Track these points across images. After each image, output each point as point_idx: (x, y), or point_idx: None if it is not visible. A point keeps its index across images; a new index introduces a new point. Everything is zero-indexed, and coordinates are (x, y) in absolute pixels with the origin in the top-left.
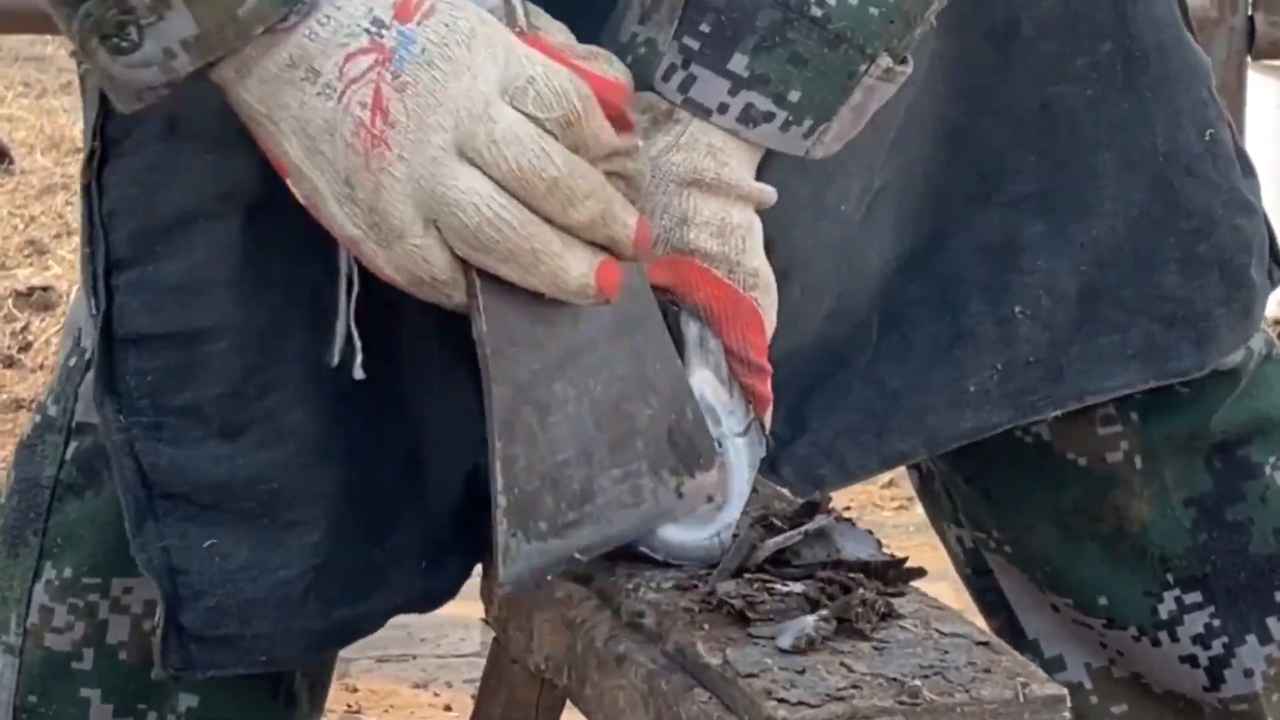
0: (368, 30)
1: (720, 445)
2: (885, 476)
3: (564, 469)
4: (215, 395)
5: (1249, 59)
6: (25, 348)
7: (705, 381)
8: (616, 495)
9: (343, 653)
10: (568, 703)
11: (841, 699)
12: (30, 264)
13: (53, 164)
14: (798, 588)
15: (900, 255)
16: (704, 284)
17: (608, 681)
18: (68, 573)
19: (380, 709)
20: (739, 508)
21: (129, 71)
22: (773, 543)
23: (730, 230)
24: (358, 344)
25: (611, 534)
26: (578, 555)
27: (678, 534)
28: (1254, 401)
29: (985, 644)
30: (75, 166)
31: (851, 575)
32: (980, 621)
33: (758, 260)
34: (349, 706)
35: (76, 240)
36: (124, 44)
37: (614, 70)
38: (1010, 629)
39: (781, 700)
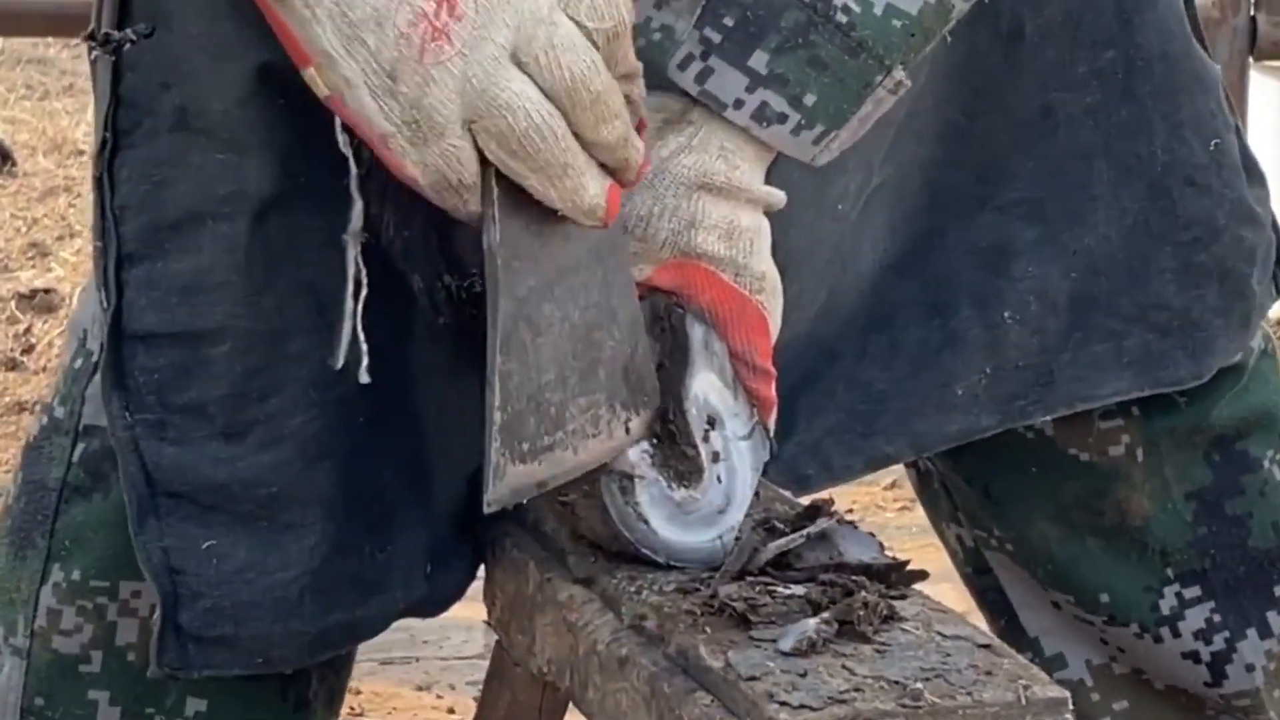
0: None
1: (724, 448)
2: (888, 478)
3: (545, 391)
4: (218, 396)
5: (1251, 59)
6: (28, 350)
7: (710, 384)
8: (581, 424)
9: None
10: (570, 705)
11: (843, 701)
12: (33, 266)
13: (55, 166)
14: (800, 590)
15: (893, 255)
16: (710, 286)
17: (610, 684)
18: (76, 575)
19: (383, 711)
20: (742, 511)
21: None
22: (775, 545)
23: (739, 233)
24: (364, 348)
25: (576, 462)
26: (545, 480)
27: (680, 536)
28: (1252, 396)
29: (987, 647)
30: (77, 169)
31: (853, 578)
32: (983, 624)
33: (765, 264)
34: (352, 709)
35: (79, 242)
36: None
37: None
38: (1011, 627)
39: (783, 703)
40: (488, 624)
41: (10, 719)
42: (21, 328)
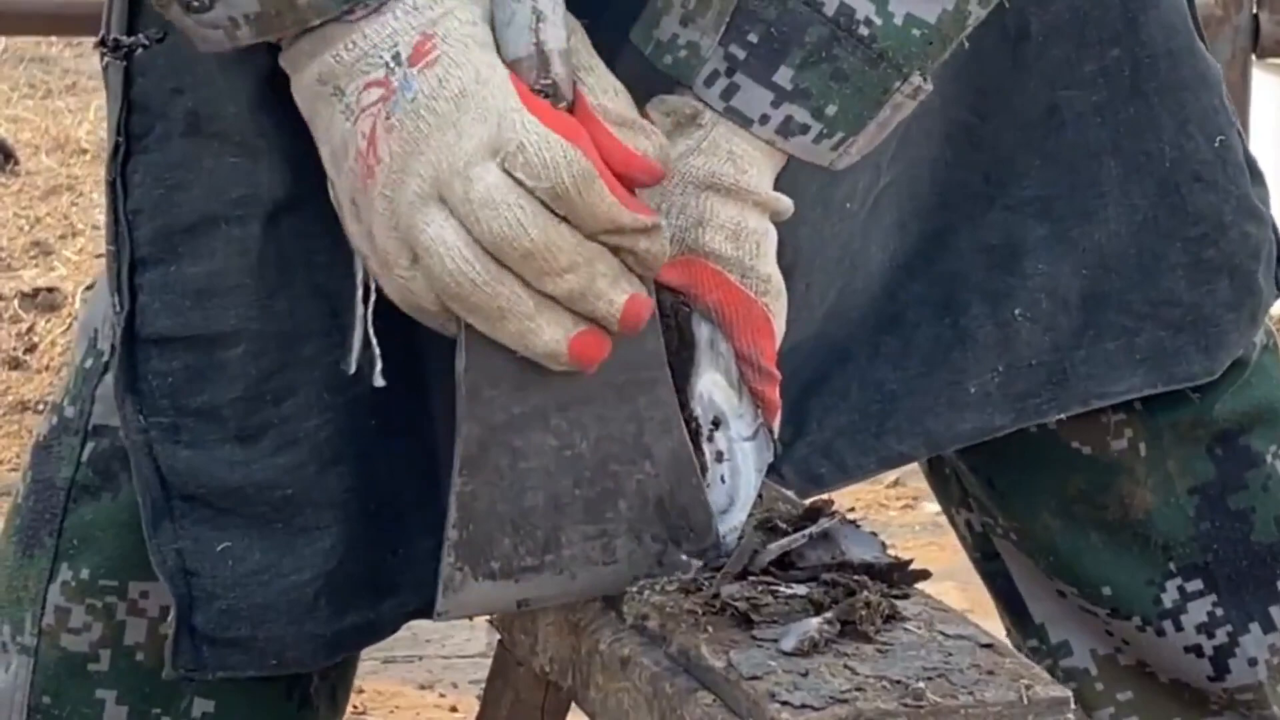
0: (386, 64)
1: (728, 448)
2: (890, 476)
3: (529, 515)
4: (232, 399)
5: (1254, 57)
6: (31, 349)
7: (715, 384)
8: (585, 550)
9: None
10: (573, 705)
11: (845, 701)
12: (36, 265)
13: (58, 165)
14: (802, 590)
15: (903, 254)
16: (716, 286)
17: (612, 684)
18: (85, 574)
19: (386, 709)
20: (745, 511)
21: (199, 29)
22: (777, 545)
23: (745, 235)
24: (376, 351)
25: (573, 587)
26: (529, 599)
27: None
28: (1254, 390)
29: (989, 646)
30: (80, 168)
31: (855, 578)
32: (985, 623)
33: (770, 267)
34: (355, 707)
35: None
36: (195, 4)
37: (650, 145)
38: (1017, 613)
39: (785, 703)
40: (490, 623)
41: (17, 717)
42: (24, 326)
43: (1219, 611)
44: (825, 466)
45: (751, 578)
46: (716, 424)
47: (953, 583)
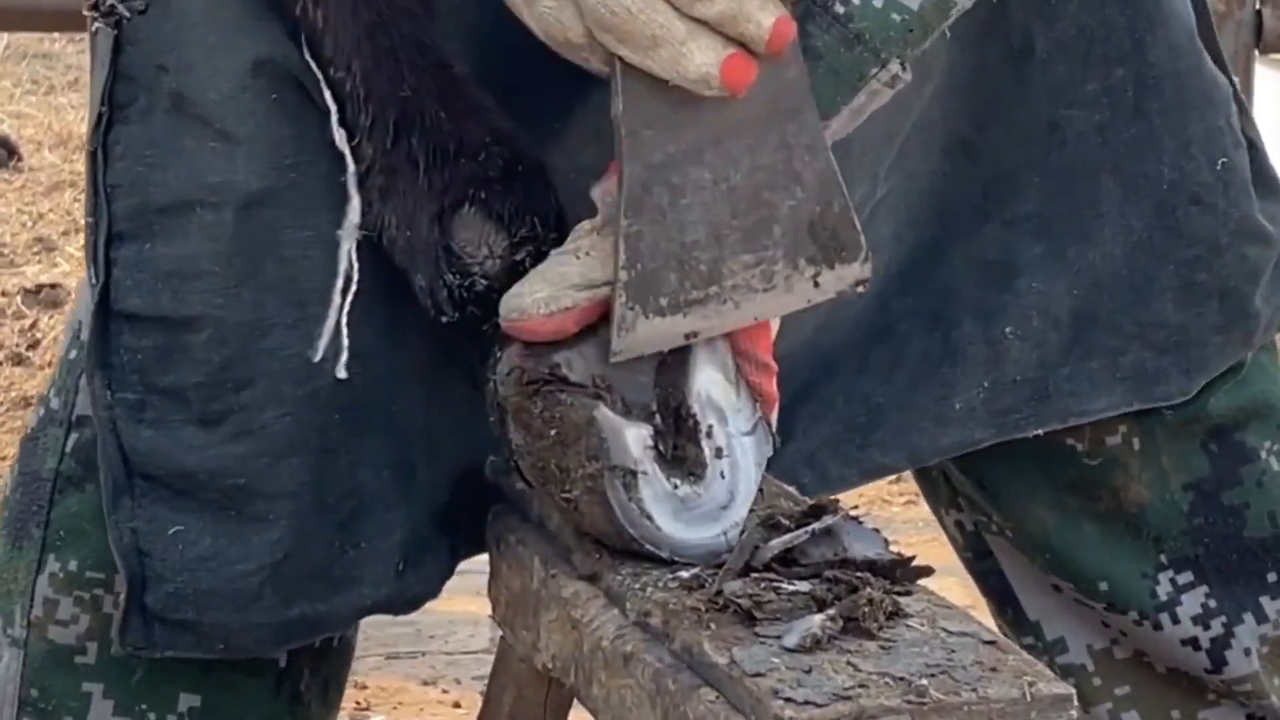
0: None
1: (727, 444)
2: None
3: (692, 250)
4: (195, 383)
5: (1257, 53)
6: (33, 345)
7: (712, 380)
8: (746, 279)
9: None
10: (575, 701)
11: (848, 698)
12: (38, 261)
13: (60, 161)
14: (804, 587)
15: (897, 266)
16: None
17: (614, 680)
18: (72, 566)
19: (389, 706)
20: (746, 506)
21: None
22: (779, 542)
23: None
24: (344, 343)
25: (736, 315)
26: (697, 331)
27: (683, 532)
28: (1250, 387)
29: (992, 643)
30: (83, 164)
31: (858, 574)
32: (988, 620)
33: None
34: (358, 704)
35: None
36: None
37: None
38: (1012, 611)
39: (788, 699)
40: (493, 619)
41: (8, 710)
42: (27, 323)
43: (1212, 603)
44: (808, 476)
45: (754, 574)
46: (715, 420)
47: (955, 579)
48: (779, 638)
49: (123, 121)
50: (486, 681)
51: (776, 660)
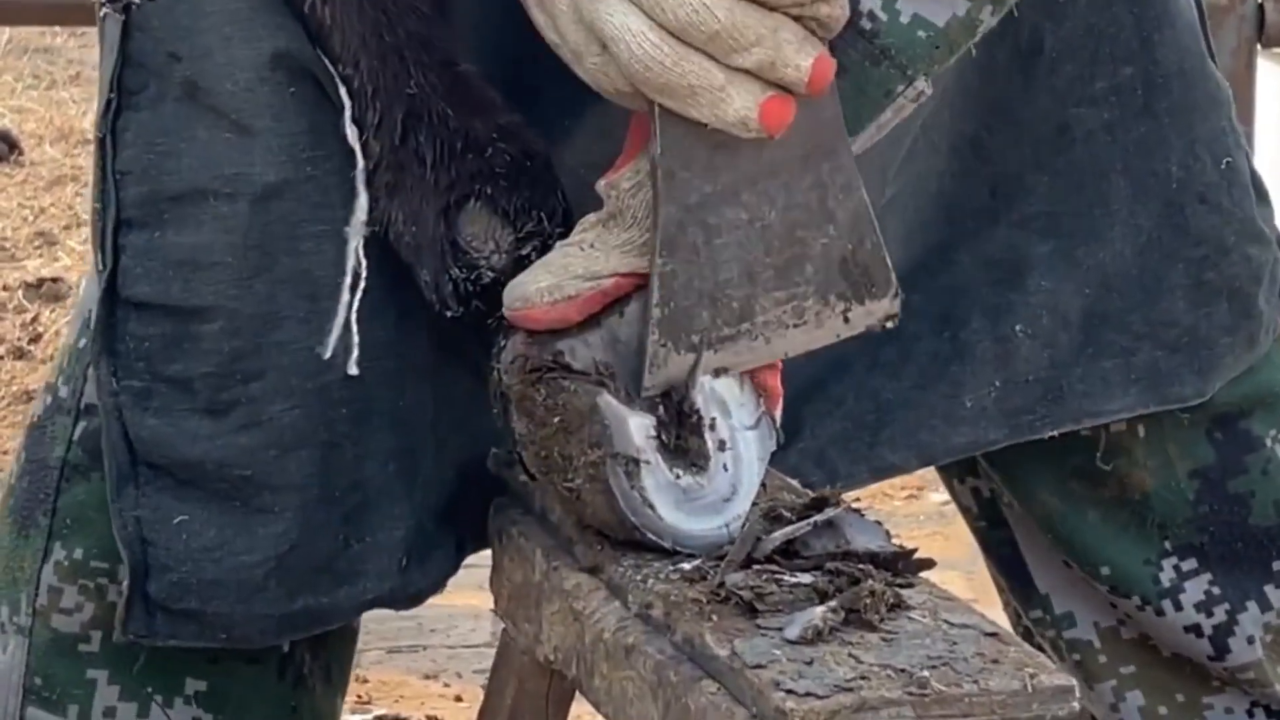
0: None
1: (730, 437)
2: None
3: (725, 287)
4: (204, 373)
5: (1259, 47)
6: (35, 339)
7: None
8: (777, 316)
9: None
10: (577, 693)
11: (850, 690)
12: (40, 255)
13: (62, 155)
14: (806, 579)
15: (905, 266)
16: None
17: (616, 672)
18: (78, 554)
19: (391, 699)
20: (749, 499)
21: None
22: (781, 534)
23: None
24: (355, 339)
25: (767, 351)
26: (728, 366)
27: (685, 523)
28: (1256, 375)
29: (994, 635)
30: (85, 158)
31: (860, 566)
32: (990, 612)
33: None
34: (359, 697)
35: (86, 232)
36: None
37: None
38: (1022, 582)
39: (789, 691)
40: (495, 612)
41: (13, 698)
42: (29, 316)
43: (1215, 590)
44: (816, 474)
45: (756, 566)
46: (718, 413)
47: (957, 572)
48: (780, 629)
49: (132, 108)
50: (488, 675)
51: (778, 652)
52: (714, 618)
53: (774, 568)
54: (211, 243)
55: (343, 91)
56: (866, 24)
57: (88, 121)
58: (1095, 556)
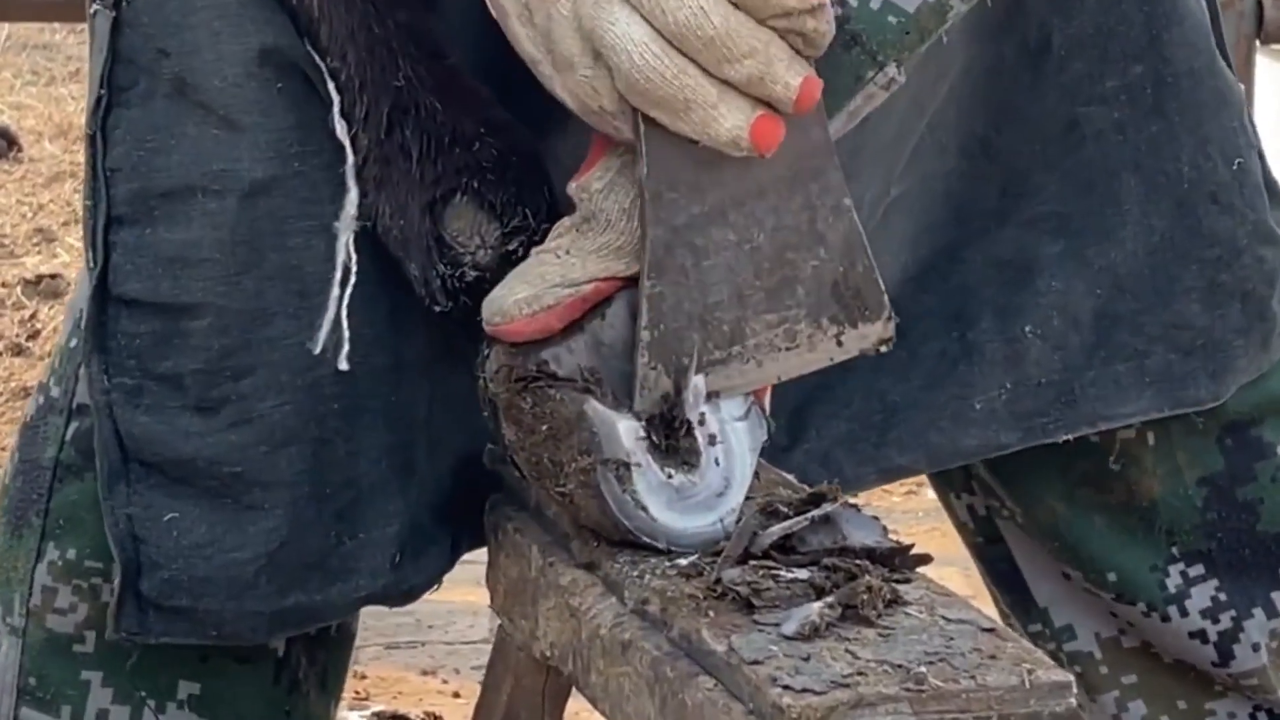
0: None
1: (720, 430)
2: None
3: (715, 310)
4: (193, 370)
5: (1258, 43)
6: (33, 335)
7: None
8: (769, 339)
9: None
10: (573, 690)
11: (846, 686)
12: (38, 252)
13: (61, 151)
14: (803, 574)
15: (913, 267)
16: None
17: (613, 669)
18: (71, 554)
19: (388, 695)
20: (742, 492)
21: None
22: (778, 529)
23: None
24: (345, 335)
25: (759, 375)
26: (719, 390)
27: (680, 522)
28: (1266, 382)
29: (991, 630)
30: (83, 154)
31: (857, 562)
32: (988, 609)
33: None
34: (357, 693)
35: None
36: None
37: None
38: (1021, 598)
39: (786, 687)
40: (492, 608)
41: (6, 698)
42: (27, 313)
43: (1222, 596)
44: (823, 475)
45: (752, 562)
46: (707, 407)
47: (954, 568)
48: (777, 625)
49: (122, 105)
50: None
51: (775, 648)
52: (711, 613)
53: (771, 563)
54: (200, 239)
55: (331, 86)
56: (837, 9)
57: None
58: (1101, 563)
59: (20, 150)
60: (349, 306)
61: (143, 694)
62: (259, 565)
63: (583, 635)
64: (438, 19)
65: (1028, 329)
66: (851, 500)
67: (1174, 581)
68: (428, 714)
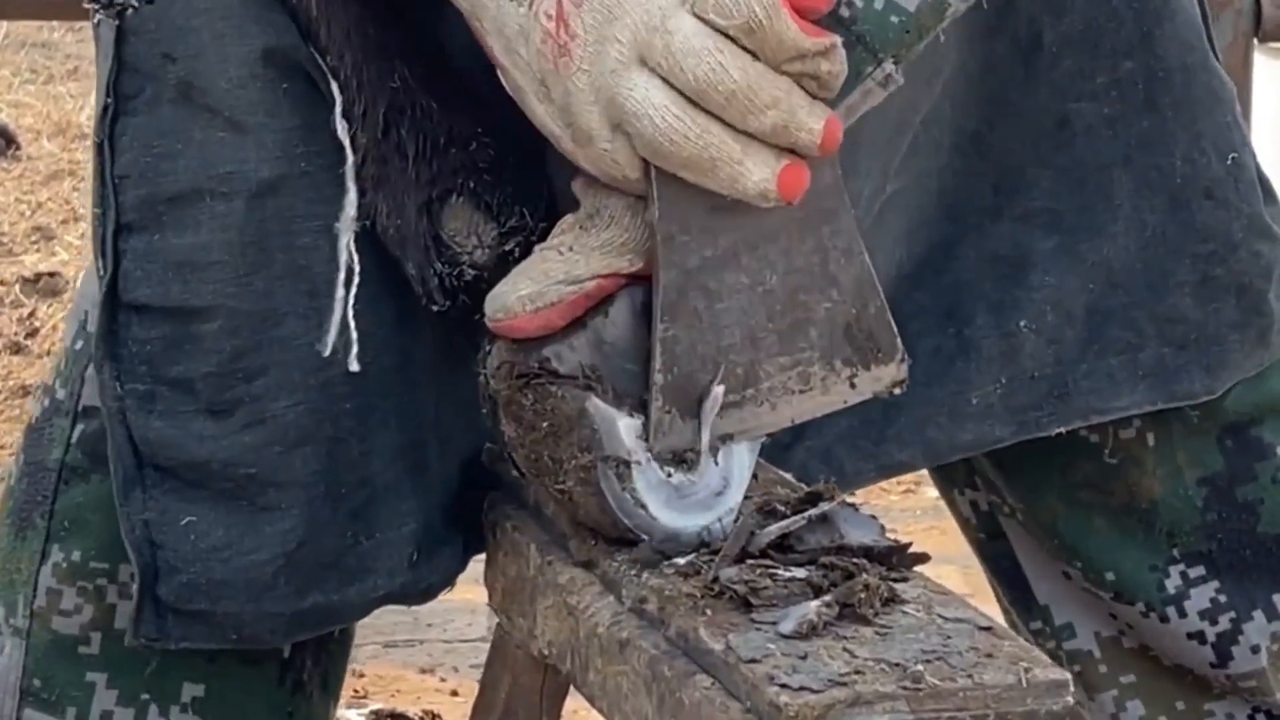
0: None
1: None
2: None
3: (728, 353)
4: (206, 373)
5: (1255, 41)
6: (32, 334)
7: None
8: (782, 381)
9: None
10: (571, 688)
11: (844, 684)
12: (37, 250)
13: (59, 150)
14: (800, 573)
15: (908, 264)
16: None
17: (610, 667)
18: (76, 556)
19: (387, 694)
20: (741, 491)
21: None
22: (775, 528)
23: None
24: (354, 335)
25: (773, 418)
26: (733, 434)
27: (678, 520)
28: (1266, 382)
29: (988, 629)
30: (82, 153)
31: (855, 561)
32: (986, 607)
33: None
34: (356, 691)
35: (83, 226)
36: None
37: None
38: (1022, 595)
39: (784, 685)
40: (490, 607)
41: (11, 700)
42: (26, 311)
43: (1222, 598)
44: (823, 473)
45: (750, 561)
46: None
47: (952, 567)
48: (775, 624)
49: (129, 113)
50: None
51: (772, 646)
52: (708, 612)
53: (768, 562)
54: (209, 242)
55: (334, 86)
56: (844, 11)
57: (85, 116)
58: (1100, 563)
59: (18, 148)
60: (356, 307)
61: (147, 696)
62: (277, 566)
63: (580, 633)
64: (438, 20)
65: (1022, 324)
66: (849, 499)
67: (1174, 582)
68: (426, 712)
